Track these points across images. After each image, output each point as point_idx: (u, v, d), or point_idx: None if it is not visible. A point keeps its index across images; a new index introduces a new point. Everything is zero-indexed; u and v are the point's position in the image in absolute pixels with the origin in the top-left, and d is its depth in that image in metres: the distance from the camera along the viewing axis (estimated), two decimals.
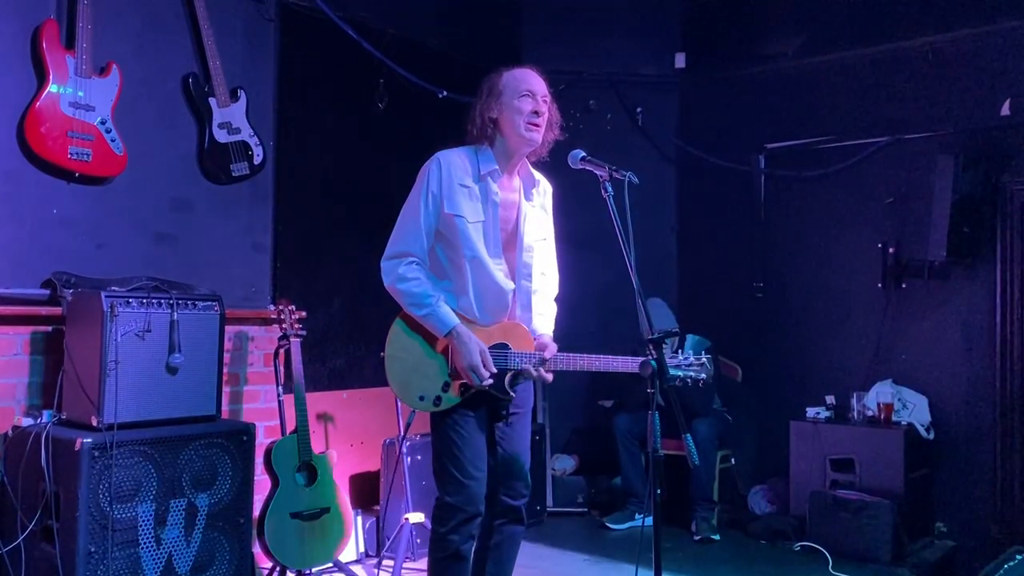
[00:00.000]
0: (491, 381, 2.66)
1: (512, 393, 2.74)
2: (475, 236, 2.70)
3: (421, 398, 2.72)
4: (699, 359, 2.71)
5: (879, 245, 5.09)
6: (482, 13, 5.67)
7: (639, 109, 5.92)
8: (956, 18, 4.88)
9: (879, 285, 5.10)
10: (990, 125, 4.75)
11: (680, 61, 5.95)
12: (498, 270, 2.73)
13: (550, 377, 2.73)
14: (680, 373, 2.69)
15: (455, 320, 2.67)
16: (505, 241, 2.79)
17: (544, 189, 2.94)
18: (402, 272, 2.70)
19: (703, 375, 2.70)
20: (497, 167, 2.76)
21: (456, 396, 2.70)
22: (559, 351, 2.76)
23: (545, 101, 2.76)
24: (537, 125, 2.73)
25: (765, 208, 5.63)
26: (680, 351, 2.81)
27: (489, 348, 2.69)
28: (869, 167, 5.18)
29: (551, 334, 2.88)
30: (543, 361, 2.71)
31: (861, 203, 5.22)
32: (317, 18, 4.43)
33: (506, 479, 2.80)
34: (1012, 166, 4.68)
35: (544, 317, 2.90)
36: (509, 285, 2.75)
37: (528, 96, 2.72)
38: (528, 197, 2.85)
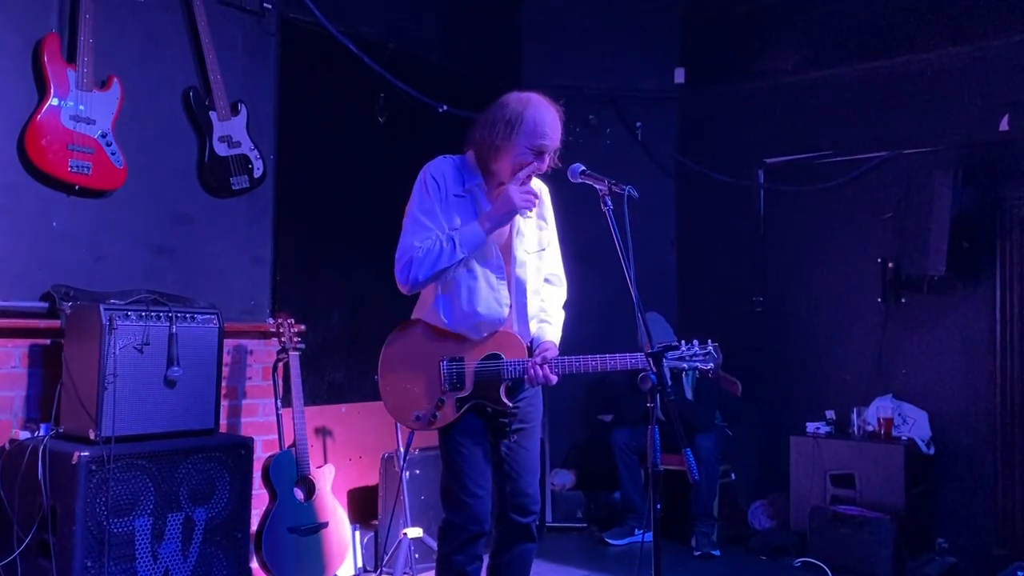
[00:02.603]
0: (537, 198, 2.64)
1: (509, 404, 2.71)
2: None
3: (417, 418, 2.70)
4: (704, 348, 2.63)
5: (879, 260, 5.09)
6: (482, 28, 5.70)
7: (639, 124, 5.93)
8: (955, 34, 4.90)
9: (879, 300, 5.10)
10: (989, 140, 4.76)
11: (679, 76, 5.97)
12: (491, 282, 2.71)
13: (554, 379, 2.64)
14: (685, 365, 2.63)
15: (476, 221, 2.63)
16: (498, 250, 2.75)
17: (540, 199, 2.88)
18: (414, 256, 2.62)
19: (710, 364, 2.62)
20: (482, 181, 2.74)
21: (452, 412, 2.67)
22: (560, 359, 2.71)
23: (552, 154, 2.70)
24: (530, 178, 2.68)
25: (764, 223, 5.63)
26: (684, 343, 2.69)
27: (482, 360, 2.67)
28: (868, 182, 5.19)
29: (557, 340, 2.81)
30: (545, 360, 2.61)
31: (860, 218, 5.23)
32: (318, 32, 4.45)
33: (514, 497, 2.74)
34: (1011, 181, 4.69)
35: (552, 324, 2.85)
36: (504, 295, 2.73)
37: (536, 153, 2.64)
38: (522, 212, 2.81)
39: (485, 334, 2.72)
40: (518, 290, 2.77)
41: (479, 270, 2.69)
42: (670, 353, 2.64)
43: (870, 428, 4.86)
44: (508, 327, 2.75)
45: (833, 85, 5.38)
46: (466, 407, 2.67)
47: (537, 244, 2.87)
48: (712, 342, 2.67)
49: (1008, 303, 4.69)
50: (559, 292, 2.95)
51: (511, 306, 2.75)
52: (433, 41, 5.28)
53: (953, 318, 4.88)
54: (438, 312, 2.72)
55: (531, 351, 2.74)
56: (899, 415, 4.85)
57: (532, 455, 2.80)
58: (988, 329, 4.74)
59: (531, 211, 2.81)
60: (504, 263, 2.76)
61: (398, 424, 4.23)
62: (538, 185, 2.89)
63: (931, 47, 4.98)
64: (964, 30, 4.87)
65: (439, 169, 2.73)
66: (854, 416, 4.93)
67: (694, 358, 2.62)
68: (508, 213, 2.65)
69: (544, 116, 2.65)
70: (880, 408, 4.89)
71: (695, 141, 5.95)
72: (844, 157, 5.26)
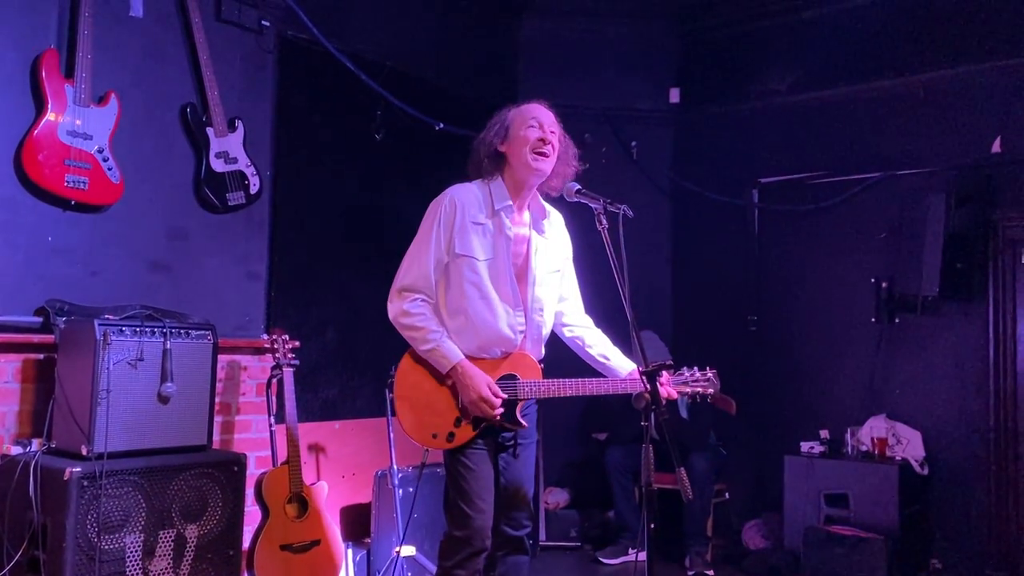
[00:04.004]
0: (501, 410, 2.64)
1: (524, 423, 2.72)
2: (485, 274, 2.70)
3: (434, 436, 2.70)
4: (705, 374, 2.68)
5: (872, 280, 5.11)
6: (480, 47, 5.73)
7: (634, 143, 5.96)
8: (948, 57, 4.95)
9: (872, 320, 5.11)
10: (981, 162, 4.79)
11: (675, 96, 6.00)
12: (507, 307, 2.72)
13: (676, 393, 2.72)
14: (688, 389, 2.66)
15: (459, 355, 2.65)
16: (516, 275, 2.76)
17: (555, 220, 2.92)
18: (406, 308, 2.69)
19: (711, 390, 2.67)
20: (510, 202, 2.75)
21: (471, 430, 2.68)
22: (553, 378, 2.73)
23: (553, 132, 2.75)
24: (544, 155, 2.70)
25: (759, 242, 5.65)
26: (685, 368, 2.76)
27: (498, 380, 2.68)
28: (862, 203, 5.22)
29: (631, 363, 2.83)
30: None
31: (854, 238, 5.25)
32: (315, 50, 4.47)
33: (507, 510, 2.76)
34: (1004, 203, 4.72)
35: (616, 352, 2.89)
36: (518, 321, 2.74)
37: (534, 126, 2.72)
38: (539, 230, 2.83)
39: (500, 354, 2.74)
40: (534, 310, 2.78)
41: (494, 298, 2.70)
42: (674, 377, 2.69)
43: (864, 448, 4.86)
44: (522, 347, 2.77)
45: (827, 106, 5.42)
46: (483, 426, 2.68)
47: (555, 264, 2.87)
48: (711, 369, 2.72)
49: (1001, 323, 4.71)
50: (583, 314, 3.01)
51: (524, 331, 2.76)
52: (431, 60, 5.30)
53: (946, 338, 4.89)
54: (451, 336, 2.72)
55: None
56: (893, 435, 4.85)
57: (529, 470, 2.84)
58: (981, 349, 4.75)
59: (546, 232, 2.85)
60: (520, 283, 2.77)
61: (391, 440, 4.23)
62: (556, 218, 2.92)
63: (924, 69, 5.03)
64: (957, 53, 4.91)
65: (460, 195, 2.75)
66: (848, 436, 4.93)
67: (696, 383, 2.66)
68: (464, 393, 2.66)
69: (527, 104, 2.82)
70: (874, 428, 4.89)
71: (690, 160, 5.98)
72: (838, 177, 5.29)
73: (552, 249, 2.87)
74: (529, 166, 2.70)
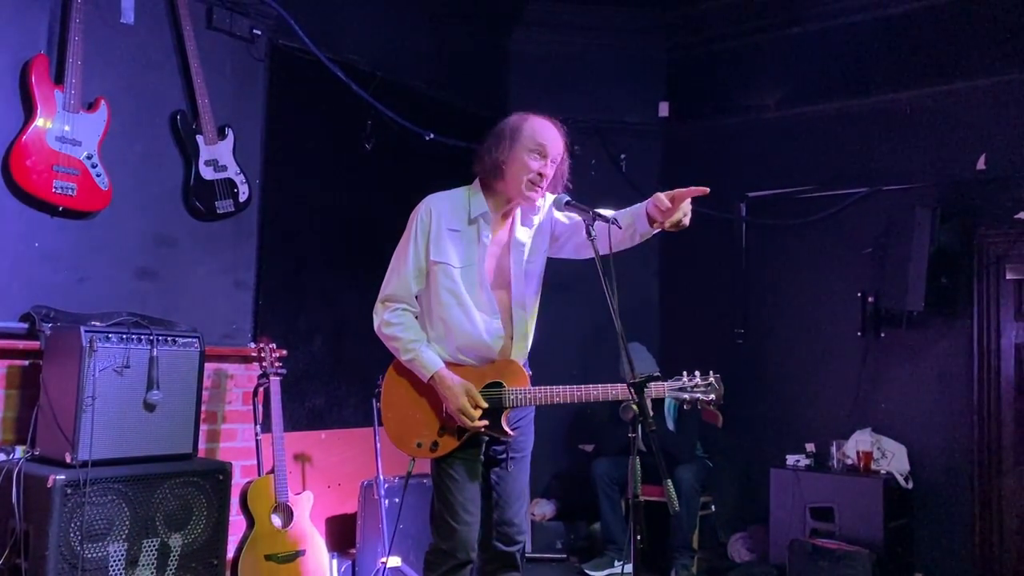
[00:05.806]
0: (484, 422, 2.63)
1: (511, 433, 2.70)
2: (462, 281, 2.69)
3: (419, 445, 2.69)
4: (706, 379, 2.63)
5: (858, 294, 5.15)
6: (470, 59, 5.75)
7: (623, 156, 5.99)
8: (934, 74, 5.00)
9: (858, 334, 5.14)
10: (967, 179, 4.85)
11: (664, 110, 6.04)
12: (485, 313, 2.71)
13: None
14: (687, 396, 2.64)
15: (438, 364, 2.65)
16: (496, 278, 2.75)
17: (543, 205, 2.85)
18: (387, 318, 2.71)
19: (711, 396, 2.63)
20: (488, 210, 2.73)
21: (454, 440, 2.67)
22: (542, 385, 2.71)
23: (554, 162, 2.72)
24: (539, 187, 2.69)
25: (746, 255, 5.68)
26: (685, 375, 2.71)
27: (483, 389, 2.66)
28: (848, 217, 5.26)
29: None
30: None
31: (841, 252, 5.29)
32: (306, 59, 4.47)
33: (500, 524, 2.73)
34: (988, 219, 4.77)
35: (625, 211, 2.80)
36: (496, 327, 2.72)
37: (538, 155, 2.68)
38: (528, 223, 2.81)
39: (485, 361, 2.72)
40: (516, 305, 2.75)
41: (471, 304, 2.69)
42: (671, 383, 2.67)
43: (849, 461, 4.88)
44: (506, 349, 2.75)
45: (815, 122, 5.46)
46: (467, 436, 2.66)
47: (539, 250, 2.83)
48: (714, 373, 2.67)
49: (985, 338, 4.75)
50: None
51: (504, 336, 2.74)
52: (422, 71, 5.32)
53: (931, 353, 4.93)
54: (434, 344, 2.72)
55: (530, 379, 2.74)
56: (878, 449, 4.88)
57: (522, 484, 2.80)
58: (965, 365, 4.79)
59: (533, 225, 2.81)
60: (500, 289, 2.74)
61: (378, 450, 4.22)
62: (545, 201, 2.86)
63: (910, 86, 5.08)
64: (942, 71, 4.97)
65: (436, 203, 2.74)
66: (833, 449, 4.95)
67: (695, 389, 2.63)
68: (445, 403, 2.65)
69: (543, 124, 2.73)
70: (859, 441, 4.91)
71: (679, 174, 5.99)
72: (825, 192, 5.33)
73: (539, 234, 2.82)
74: (521, 193, 2.69)
